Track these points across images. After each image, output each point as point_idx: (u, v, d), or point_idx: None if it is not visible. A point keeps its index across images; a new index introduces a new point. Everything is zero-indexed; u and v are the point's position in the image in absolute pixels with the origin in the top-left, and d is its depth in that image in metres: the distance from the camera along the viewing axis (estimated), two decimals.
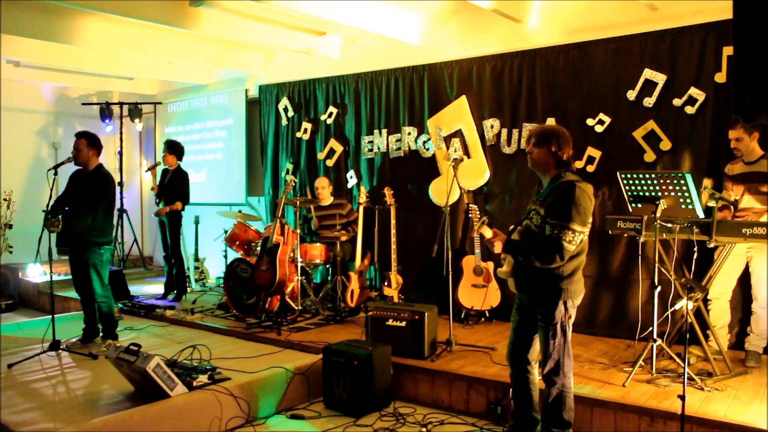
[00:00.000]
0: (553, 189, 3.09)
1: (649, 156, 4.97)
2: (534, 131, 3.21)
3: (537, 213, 3.12)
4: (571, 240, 2.97)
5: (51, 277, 4.87)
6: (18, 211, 8.05)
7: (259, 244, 5.91)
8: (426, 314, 4.46)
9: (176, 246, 6.77)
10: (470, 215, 5.66)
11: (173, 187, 6.72)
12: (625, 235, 4.57)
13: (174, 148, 6.81)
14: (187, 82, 8.69)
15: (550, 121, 5.42)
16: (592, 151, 5.22)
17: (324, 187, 6.57)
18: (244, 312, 5.82)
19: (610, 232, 4.44)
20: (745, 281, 4.38)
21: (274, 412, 4.07)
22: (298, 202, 5.94)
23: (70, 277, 5.22)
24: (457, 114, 6.05)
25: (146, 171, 7.24)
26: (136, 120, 8.95)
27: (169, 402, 3.59)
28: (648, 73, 4.94)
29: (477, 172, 5.92)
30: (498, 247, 3.18)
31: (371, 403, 4.07)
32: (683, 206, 3.85)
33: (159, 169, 7.05)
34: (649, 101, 4.96)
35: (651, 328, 3.99)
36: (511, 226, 3.33)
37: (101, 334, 5.20)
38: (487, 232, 3.24)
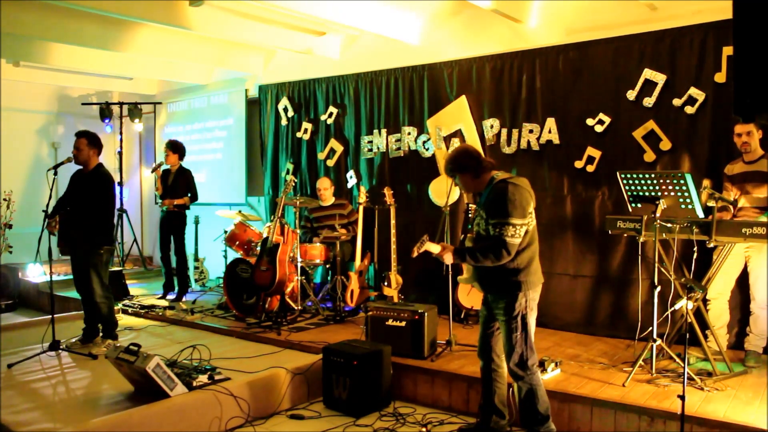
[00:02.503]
0: (489, 191, 3.26)
1: (649, 156, 4.97)
2: (446, 165, 3.36)
3: (481, 217, 3.27)
4: (513, 234, 3.13)
5: (51, 277, 4.88)
6: (18, 211, 8.06)
7: (259, 244, 5.91)
8: (426, 314, 4.46)
9: (182, 245, 6.79)
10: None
11: (177, 188, 6.73)
12: (625, 235, 4.57)
13: (177, 148, 6.80)
14: (187, 82, 8.69)
15: (550, 121, 5.42)
16: (592, 151, 5.22)
17: (326, 188, 6.57)
18: (244, 312, 5.82)
19: (610, 232, 4.44)
20: (743, 281, 4.38)
21: (274, 412, 4.07)
22: (298, 202, 5.94)
23: (70, 277, 5.23)
24: (457, 114, 6.05)
25: (151, 172, 7.24)
26: (136, 120, 8.95)
27: (169, 402, 3.60)
28: (648, 73, 4.94)
29: None
30: (449, 258, 3.36)
31: (371, 403, 4.08)
32: (683, 206, 3.85)
33: (160, 170, 7.04)
34: (649, 101, 4.95)
35: (651, 328, 3.99)
36: (461, 235, 3.41)
37: (101, 334, 5.21)
38: (434, 248, 3.38)
